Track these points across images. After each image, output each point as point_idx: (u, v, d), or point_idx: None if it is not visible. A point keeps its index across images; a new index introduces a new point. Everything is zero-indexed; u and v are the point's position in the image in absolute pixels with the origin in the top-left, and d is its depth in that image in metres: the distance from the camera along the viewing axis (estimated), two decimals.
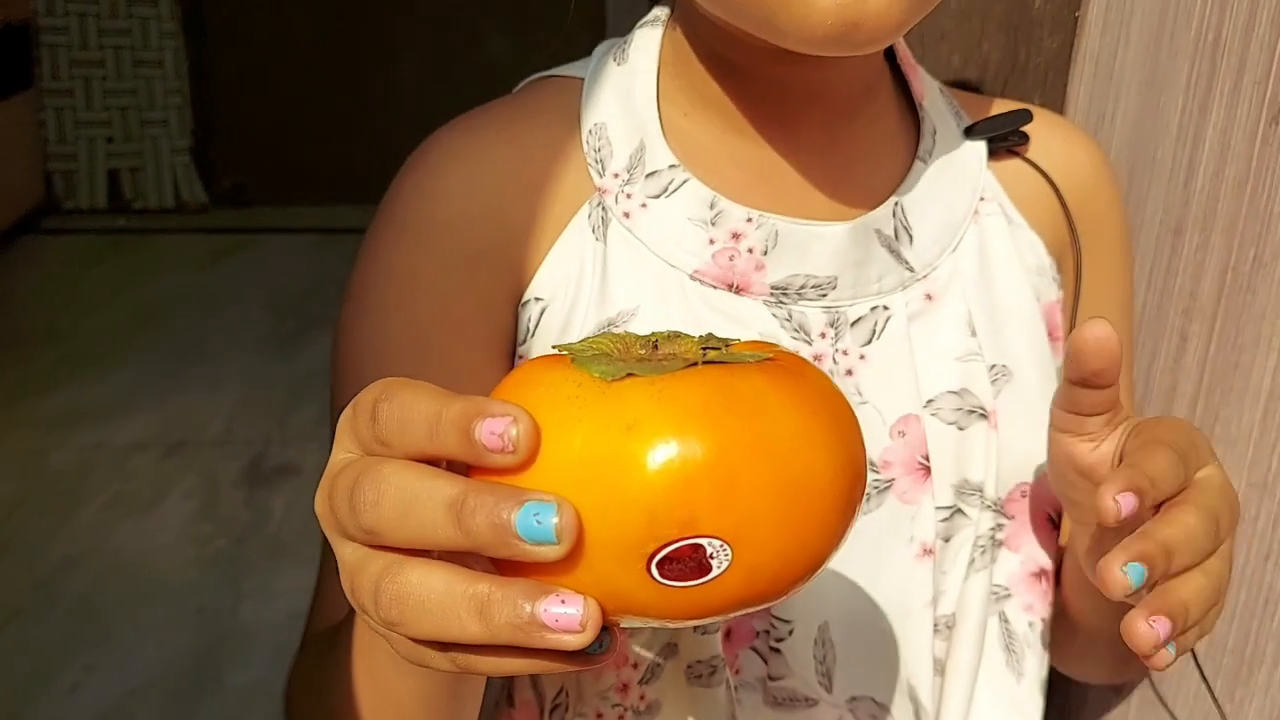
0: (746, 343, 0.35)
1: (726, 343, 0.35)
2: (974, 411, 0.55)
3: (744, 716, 0.56)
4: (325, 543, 0.56)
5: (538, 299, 0.53)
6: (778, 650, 0.54)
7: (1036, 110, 0.62)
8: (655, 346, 0.35)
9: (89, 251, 2.95)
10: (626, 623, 0.32)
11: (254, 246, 3.00)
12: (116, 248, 2.98)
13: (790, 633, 0.54)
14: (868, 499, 0.53)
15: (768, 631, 0.54)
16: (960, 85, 0.80)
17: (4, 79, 2.90)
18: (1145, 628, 0.39)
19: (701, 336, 0.35)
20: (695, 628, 0.52)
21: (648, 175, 0.53)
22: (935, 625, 0.56)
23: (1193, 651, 0.60)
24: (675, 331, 0.36)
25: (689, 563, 0.30)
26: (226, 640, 1.58)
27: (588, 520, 0.30)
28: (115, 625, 1.61)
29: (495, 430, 0.30)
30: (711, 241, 0.52)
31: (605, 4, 3.08)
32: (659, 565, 0.30)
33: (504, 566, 0.31)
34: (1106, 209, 0.62)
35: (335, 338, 0.55)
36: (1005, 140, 0.59)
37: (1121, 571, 0.39)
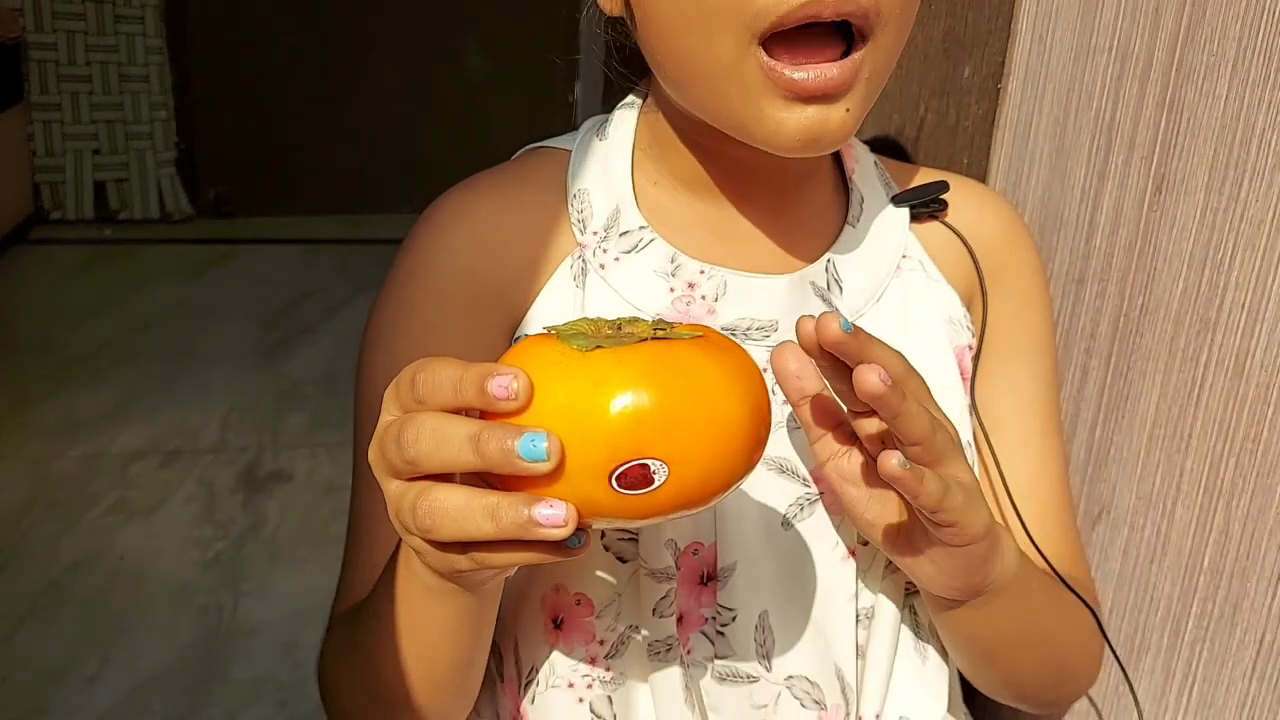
0: (686, 325, 0.47)
1: (671, 325, 0.47)
2: None
3: (696, 691, 0.63)
4: (347, 541, 0.66)
5: (527, 334, 0.62)
6: (723, 634, 0.62)
7: (954, 178, 0.71)
8: (619, 328, 0.46)
9: (77, 261, 2.99)
10: (596, 524, 0.44)
11: (238, 257, 3.05)
12: (103, 258, 3.02)
13: (734, 619, 0.62)
14: (801, 508, 0.62)
15: (715, 618, 0.62)
16: (898, 144, 0.90)
17: None
18: (889, 456, 0.48)
19: (654, 321, 0.47)
20: (653, 610, 0.61)
21: (621, 234, 0.63)
22: (857, 616, 0.64)
23: (1106, 638, 0.69)
24: (635, 317, 0.48)
25: (638, 477, 0.41)
26: (230, 636, 1.67)
27: (566, 448, 0.41)
28: (125, 623, 1.69)
29: (502, 384, 0.41)
30: (672, 290, 0.62)
31: (579, 25, 3.17)
32: (617, 479, 0.41)
33: (506, 485, 0.43)
34: (1014, 261, 0.70)
35: (358, 367, 0.66)
36: (926, 206, 0.68)
37: (894, 462, 0.48)
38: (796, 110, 0.54)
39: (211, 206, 3.40)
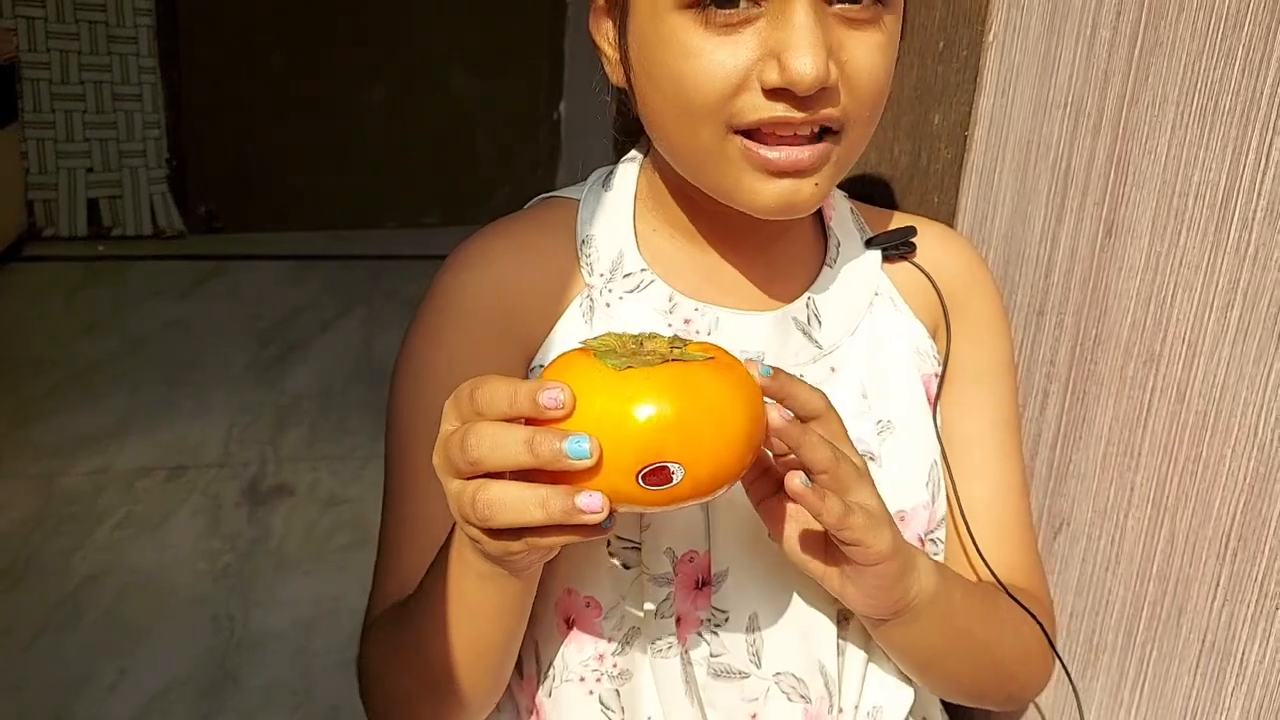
0: (698, 344, 0.56)
1: (685, 342, 0.56)
2: (864, 455, 0.69)
3: (694, 686, 0.69)
4: (381, 549, 0.72)
5: (541, 365, 0.69)
6: (717, 634, 0.69)
7: (922, 222, 0.78)
8: (641, 343, 0.55)
9: (71, 278, 3.02)
10: (624, 509, 0.52)
11: (229, 273, 3.09)
12: (97, 274, 3.05)
13: (726, 620, 0.69)
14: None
15: (709, 619, 0.69)
16: (876, 182, 0.97)
17: None
18: (793, 475, 0.57)
19: (670, 337, 0.56)
20: (654, 612, 0.68)
21: (624, 275, 0.71)
22: (837, 618, 0.70)
23: (1052, 644, 0.75)
24: (654, 333, 0.57)
25: (659, 475, 0.50)
26: (241, 645, 1.74)
27: (603, 450, 0.50)
28: (140, 634, 1.75)
29: (552, 396, 0.50)
30: (670, 325, 0.70)
31: (564, 45, 3.22)
32: (644, 477, 0.50)
33: (550, 480, 0.51)
34: (974, 296, 0.77)
35: (390, 393, 0.73)
36: (896, 249, 0.76)
37: (798, 481, 0.57)
38: (772, 183, 0.62)
39: (203, 223, 3.44)
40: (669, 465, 0.50)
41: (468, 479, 0.52)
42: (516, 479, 0.52)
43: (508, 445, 0.50)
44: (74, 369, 2.52)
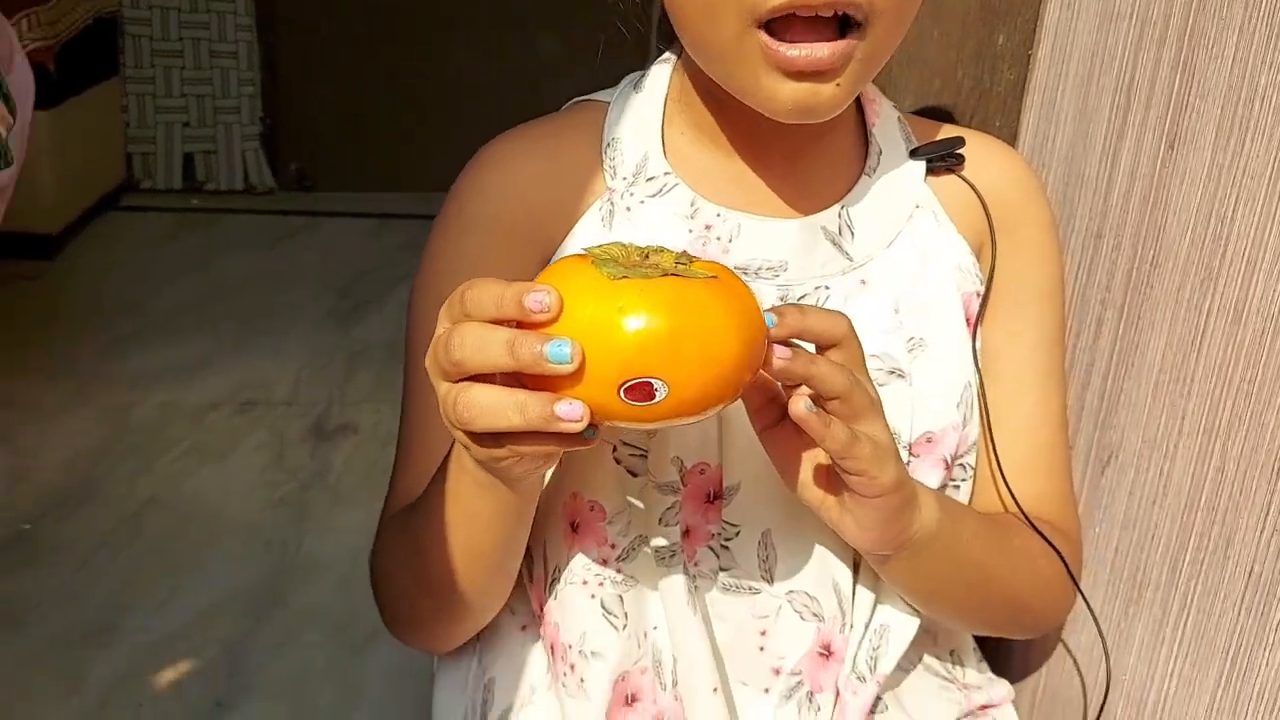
0: (704, 262, 0.53)
1: (692, 259, 0.53)
2: (892, 371, 0.68)
3: (701, 601, 0.69)
4: (397, 451, 0.73)
5: None
6: (727, 548, 0.68)
7: (972, 134, 0.75)
8: (646, 256, 0.53)
9: (164, 228, 3.11)
10: (605, 423, 0.50)
11: (316, 229, 3.15)
12: (189, 225, 3.14)
13: (737, 534, 0.68)
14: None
15: (720, 533, 0.68)
16: (937, 108, 0.94)
17: (93, 67, 3.07)
18: (798, 397, 0.55)
19: (678, 252, 0.54)
20: (660, 520, 0.67)
21: (647, 179, 0.69)
22: None
23: (1071, 574, 0.73)
24: (661, 247, 0.54)
25: (642, 391, 0.48)
26: (292, 570, 1.78)
27: (586, 359, 0.48)
28: (195, 555, 1.80)
29: (537, 299, 0.48)
30: (690, 231, 0.68)
31: (650, 8, 3.21)
32: (625, 391, 0.48)
33: (535, 386, 0.50)
34: (1024, 214, 0.74)
35: (410, 293, 0.73)
36: (943, 160, 0.73)
37: (801, 405, 0.54)
38: (789, 84, 0.59)
39: (292, 180, 3.51)
40: (653, 381, 0.48)
41: (454, 382, 0.51)
42: (506, 384, 0.50)
43: (489, 346, 0.49)
44: (161, 311, 2.59)
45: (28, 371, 2.31)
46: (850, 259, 0.69)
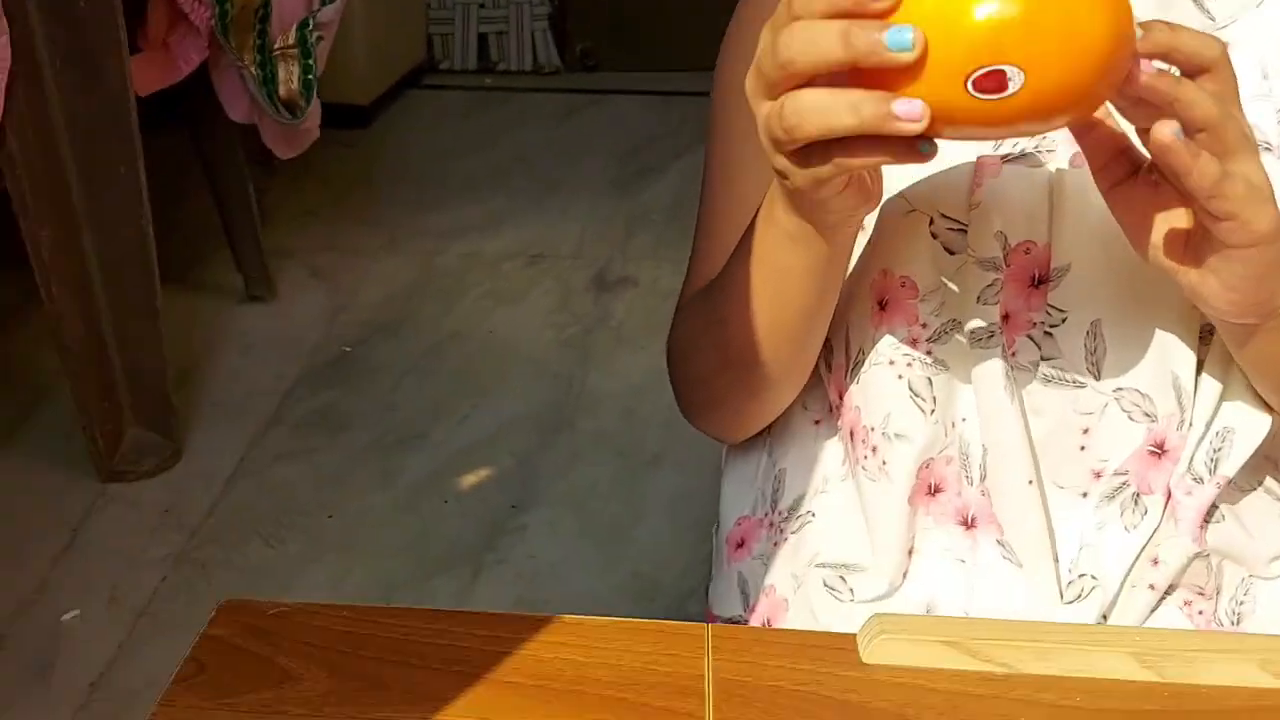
0: None
1: None
2: (1262, 145, 0.60)
3: (1017, 390, 0.63)
4: (695, 239, 0.75)
5: None
6: (1050, 335, 0.63)
7: None
8: None
9: (461, 106, 3.30)
10: (945, 134, 0.46)
11: (601, 105, 3.26)
12: (484, 103, 3.31)
13: (1064, 321, 0.62)
14: None
15: (1044, 320, 0.62)
16: None
17: None
18: (1164, 124, 0.48)
19: None
20: (978, 299, 0.62)
21: None
22: (1200, 332, 0.61)
23: None
24: None
25: (994, 82, 0.43)
26: (579, 399, 1.95)
27: (929, 48, 0.44)
28: (491, 382, 2.01)
29: None
30: None
31: None
32: (974, 82, 0.44)
33: (867, 85, 0.46)
34: None
35: (711, 96, 0.76)
36: None
37: (1168, 130, 0.47)
38: None
39: (578, 61, 3.63)
40: (1006, 69, 0.43)
41: (780, 95, 0.48)
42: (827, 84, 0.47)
43: (820, 38, 0.45)
44: (461, 176, 2.80)
45: (348, 221, 2.58)
46: (1212, 18, 0.63)
